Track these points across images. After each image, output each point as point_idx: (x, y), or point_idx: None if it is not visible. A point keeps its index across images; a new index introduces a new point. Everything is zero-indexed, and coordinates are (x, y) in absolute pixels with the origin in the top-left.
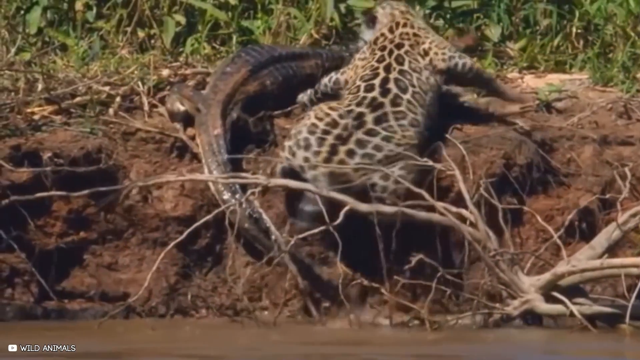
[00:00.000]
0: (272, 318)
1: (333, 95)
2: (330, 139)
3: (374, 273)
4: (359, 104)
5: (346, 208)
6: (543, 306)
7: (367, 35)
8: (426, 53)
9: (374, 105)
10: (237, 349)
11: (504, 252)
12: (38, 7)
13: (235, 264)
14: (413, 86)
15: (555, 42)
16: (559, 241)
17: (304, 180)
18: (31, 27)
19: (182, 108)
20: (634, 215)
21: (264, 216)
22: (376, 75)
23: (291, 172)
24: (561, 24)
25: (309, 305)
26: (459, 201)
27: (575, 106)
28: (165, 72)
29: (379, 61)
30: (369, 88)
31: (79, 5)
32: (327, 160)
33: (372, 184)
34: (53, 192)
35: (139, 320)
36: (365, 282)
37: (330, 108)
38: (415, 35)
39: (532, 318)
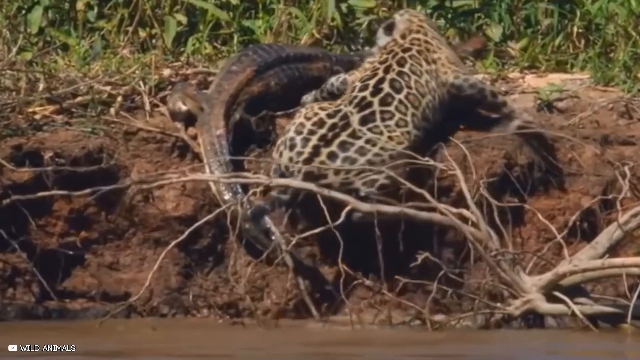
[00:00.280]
0: (273, 318)
1: (338, 95)
2: (314, 140)
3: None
4: (348, 104)
5: (347, 208)
6: (544, 306)
7: (383, 41)
8: (434, 62)
9: (362, 105)
10: (238, 348)
11: (506, 252)
12: (39, 7)
13: (237, 263)
14: (409, 87)
15: (557, 41)
16: (561, 241)
17: None
18: (32, 26)
19: (183, 108)
20: (635, 215)
21: (265, 216)
22: (374, 76)
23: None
24: (562, 23)
25: (309, 304)
26: (460, 201)
27: (576, 106)
28: (166, 72)
29: (381, 63)
30: (363, 88)
31: (80, 5)
32: (308, 161)
33: (354, 189)
34: (54, 192)
35: (140, 320)
36: (367, 282)
37: (321, 108)
38: (426, 42)
39: (533, 318)
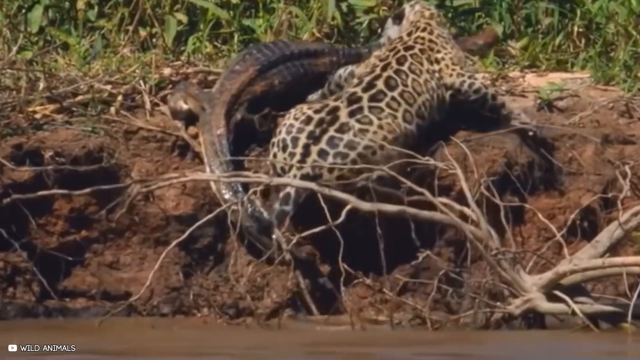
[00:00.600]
0: (274, 317)
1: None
2: (302, 138)
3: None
4: (337, 98)
5: (348, 207)
6: (545, 305)
7: (392, 31)
8: (437, 62)
9: (351, 100)
10: (238, 348)
11: (506, 251)
12: (40, 6)
13: (237, 262)
14: (405, 85)
15: (557, 41)
16: (561, 240)
17: None
18: (33, 26)
19: (185, 107)
20: (635, 214)
21: (266, 215)
22: (371, 72)
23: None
24: (563, 22)
25: (310, 303)
26: (460, 200)
27: (576, 105)
28: (166, 71)
29: (381, 60)
30: (357, 84)
31: (80, 4)
32: (301, 162)
33: (351, 183)
34: (55, 191)
35: (140, 319)
36: (368, 281)
37: (309, 107)
38: (430, 41)
39: (534, 317)
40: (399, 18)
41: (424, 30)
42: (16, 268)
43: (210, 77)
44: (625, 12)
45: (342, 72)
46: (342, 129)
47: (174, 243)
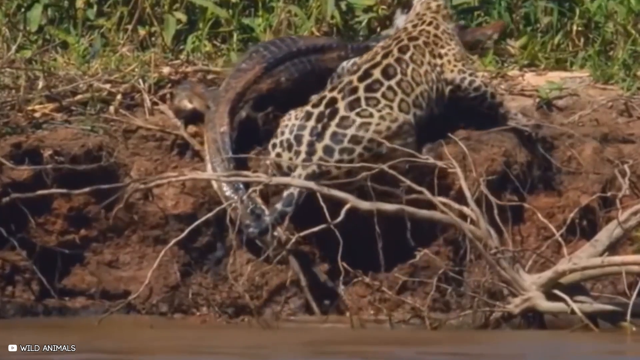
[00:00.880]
0: (273, 316)
1: None
2: (306, 135)
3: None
4: (332, 89)
5: (347, 206)
6: (544, 304)
7: (400, 20)
8: (440, 57)
9: (348, 90)
10: (237, 347)
11: (505, 250)
12: (39, 5)
13: (236, 261)
14: (404, 74)
15: (556, 39)
16: (560, 239)
17: None
18: (32, 24)
19: (189, 106)
20: (634, 213)
21: (266, 216)
22: (371, 60)
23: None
24: (562, 21)
25: (311, 302)
26: (460, 199)
27: (576, 104)
28: (166, 70)
29: (383, 48)
30: (354, 71)
31: (79, 3)
32: (306, 162)
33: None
34: (54, 190)
35: (139, 318)
36: (367, 280)
37: (308, 103)
38: (435, 36)
39: (533, 316)
40: (407, 7)
41: (429, 24)
42: (15, 267)
43: (209, 76)
44: (624, 11)
45: (345, 64)
46: (344, 124)
47: (172, 242)
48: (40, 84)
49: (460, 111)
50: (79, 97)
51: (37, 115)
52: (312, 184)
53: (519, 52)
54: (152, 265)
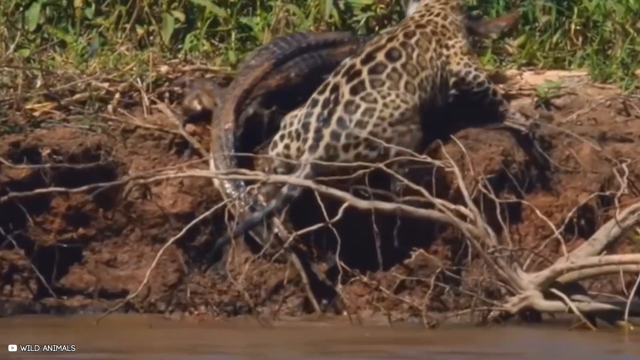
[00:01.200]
0: (271, 314)
1: None
2: (313, 122)
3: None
4: (336, 74)
5: (345, 205)
6: (542, 303)
7: (411, 8)
8: (447, 47)
9: (351, 74)
10: (236, 345)
11: (503, 248)
12: (37, 4)
13: (235, 260)
14: (409, 57)
15: (554, 38)
16: (560, 237)
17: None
18: (30, 23)
19: (198, 107)
20: (632, 212)
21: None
22: (375, 44)
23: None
24: (560, 20)
25: (311, 299)
26: (459, 198)
27: (574, 103)
28: (164, 69)
29: (388, 33)
30: (357, 55)
31: (78, 2)
32: (314, 148)
33: (370, 160)
34: (52, 189)
35: (137, 317)
36: (365, 279)
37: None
38: (443, 27)
39: (530, 315)
40: None
41: (437, 15)
42: (14, 266)
43: (208, 75)
44: (622, 10)
45: (349, 60)
46: (350, 109)
47: (170, 240)
48: (39, 82)
49: (459, 108)
50: (77, 96)
51: (35, 114)
52: (309, 183)
53: (517, 51)
54: (150, 264)
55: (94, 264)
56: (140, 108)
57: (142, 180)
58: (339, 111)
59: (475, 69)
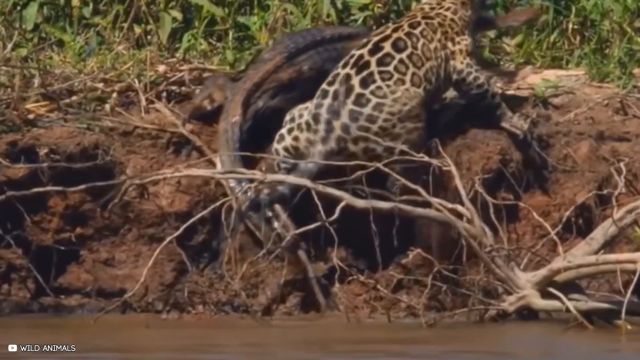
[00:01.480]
0: (269, 314)
1: None
2: (324, 114)
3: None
4: (345, 65)
5: (342, 204)
6: (539, 302)
7: None
8: (452, 42)
9: (360, 65)
10: (234, 345)
11: (500, 248)
12: (34, 3)
13: (232, 259)
14: (414, 48)
15: (552, 38)
16: (555, 237)
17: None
18: (28, 23)
19: (208, 107)
20: (630, 212)
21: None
22: (381, 33)
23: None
24: (557, 19)
25: (318, 294)
26: (457, 197)
27: (571, 102)
28: (161, 68)
29: (394, 23)
30: (364, 44)
31: (75, 1)
32: (325, 139)
33: (376, 155)
34: (49, 188)
35: (135, 316)
36: (362, 278)
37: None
38: (452, 21)
39: (528, 314)
40: None
41: (447, 9)
42: (11, 265)
43: (205, 74)
44: (620, 9)
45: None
46: (360, 102)
47: (167, 240)
48: (36, 82)
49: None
50: (75, 98)
51: (32, 113)
52: (307, 182)
53: (514, 50)
54: (147, 264)
55: (91, 263)
56: (138, 107)
57: (138, 181)
58: (350, 104)
59: (476, 71)
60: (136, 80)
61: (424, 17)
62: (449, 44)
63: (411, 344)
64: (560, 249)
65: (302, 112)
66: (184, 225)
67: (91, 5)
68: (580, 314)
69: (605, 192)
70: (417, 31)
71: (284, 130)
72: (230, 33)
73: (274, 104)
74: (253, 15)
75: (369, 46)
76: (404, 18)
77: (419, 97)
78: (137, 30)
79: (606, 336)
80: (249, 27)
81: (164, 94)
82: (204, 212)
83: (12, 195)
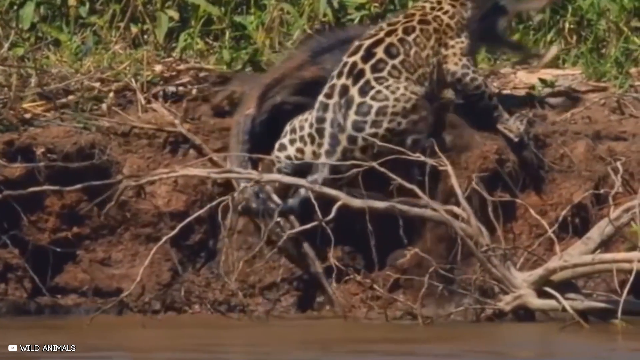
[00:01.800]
0: (266, 313)
1: None
2: (327, 128)
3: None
4: (339, 75)
5: (339, 203)
6: (535, 301)
7: None
8: (446, 47)
9: (355, 74)
10: (232, 344)
11: (496, 247)
12: (31, 3)
13: (229, 259)
14: (407, 55)
15: (549, 37)
16: (553, 236)
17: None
18: (24, 22)
19: (227, 108)
20: (626, 211)
21: (273, 197)
22: (374, 36)
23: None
24: (554, 19)
25: (327, 288)
26: (454, 196)
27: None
28: (158, 68)
29: (389, 25)
30: (355, 50)
31: (72, 1)
32: (331, 152)
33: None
34: (45, 187)
35: (131, 316)
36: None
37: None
38: (448, 25)
39: (524, 314)
40: None
41: (445, 13)
42: (8, 265)
43: (202, 74)
44: (616, 8)
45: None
46: (362, 111)
47: (163, 239)
48: (33, 81)
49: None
50: (71, 97)
51: (29, 113)
52: (303, 182)
53: None
54: (144, 263)
55: (88, 263)
56: (135, 107)
57: (133, 183)
58: (353, 114)
59: (473, 72)
60: (133, 80)
61: (420, 22)
62: (442, 49)
63: (407, 343)
64: (557, 247)
65: (302, 123)
66: (180, 225)
67: (88, 5)
68: (577, 313)
69: (602, 191)
70: (410, 38)
71: (285, 140)
72: (227, 32)
73: (293, 100)
74: (250, 15)
75: (361, 52)
76: (400, 18)
77: (419, 93)
78: (134, 29)
79: (602, 335)
80: (246, 27)
81: (161, 93)
82: (200, 212)
83: (8, 194)
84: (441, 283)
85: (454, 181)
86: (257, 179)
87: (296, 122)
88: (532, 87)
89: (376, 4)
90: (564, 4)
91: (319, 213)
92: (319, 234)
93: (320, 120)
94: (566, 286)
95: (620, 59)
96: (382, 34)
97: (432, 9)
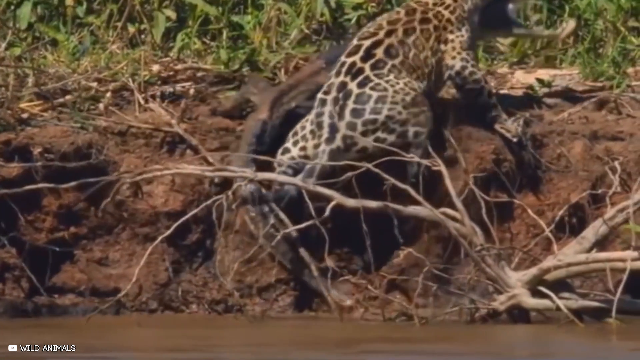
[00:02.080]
0: (263, 313)
1: None
2: (326, 120)
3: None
4: (337, 74)
5: (333, 203)
6: (530, 301)
7: None
8: (445, 42)
9: (354, 73)
10: (231, 344)
11: (490, 247)
12: (28, 2)
13: (225, 259)
14: (406, 57)
15: None
16: (550, 236)
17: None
18: (22, 22)
19: (236, 113)
20: (621, 211)
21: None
22: (373, 35)
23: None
24: (551, 19)
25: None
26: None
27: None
28: (155, 68)
29: (389, 23)
30: (354, 51)
31: (69, 1)
32: (330, 139)
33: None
34: (42, 185)
35: (129, 316)
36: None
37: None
38: (448, 20)
39: (519, 313)
40: None
41: (447, 7)
42: (5, 264)
43: (199, 74)
44: (613, 8)
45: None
46: (362, 100)
47: (159, 238)
48: (30, 81)
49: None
50: (69, 97)
51: (26, 113)
52: (297, 181)
53: (508, 49)
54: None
55: (85, 263)
56: (132, 107)
57: (129, 180)
58: (351, 104)
59: (472, 65)
60: (130, 80)
61: (420, 21)
62: (441, 46)
63: (403, 343)
64: (555, 247)
65: (304, 124)
66: (175, 225)
67: (85, 5)
68: (571, 313)
69: (599, 191)
70: (409, 40)
71: (288, 144)
72: (224, 32)
73: (308, 104)
74: (247, 15)
75: (361, 53)
76: (402, 14)
77: (418, 89)
78: (131, 29)
79: (597, 335)
80: (243, 27)
81: (159, 93)
82: (195, 211)
83: (4, 192)
84: (441, 283)
85: (447, 182)
86: (251, 177)
87: (298, 126)
88: (530, 87)
89: (373, 4)
90: (561, 3)
91: (313, 213)
92: (314, 237)
93: (319, 114)
94: (561, 286)
95: (618, 59)
96: (381, 34)
97: (435, 4)
